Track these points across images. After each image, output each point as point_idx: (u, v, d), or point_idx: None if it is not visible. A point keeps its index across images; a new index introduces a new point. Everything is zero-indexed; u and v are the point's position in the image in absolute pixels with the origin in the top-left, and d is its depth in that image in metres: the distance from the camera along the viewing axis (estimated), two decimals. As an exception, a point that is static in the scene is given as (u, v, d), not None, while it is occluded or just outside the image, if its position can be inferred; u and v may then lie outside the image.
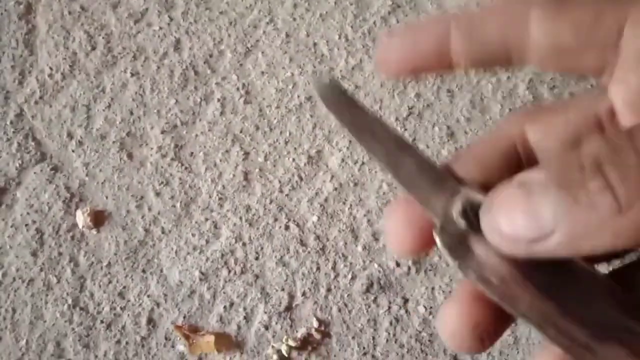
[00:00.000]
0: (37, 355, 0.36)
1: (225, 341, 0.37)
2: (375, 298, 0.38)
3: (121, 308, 0.38)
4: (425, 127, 0.42)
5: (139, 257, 0.39)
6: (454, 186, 0.20)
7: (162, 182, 0.41)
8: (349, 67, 0.43)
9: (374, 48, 0.44)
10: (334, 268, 0.39)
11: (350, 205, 0.40)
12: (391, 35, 0.21)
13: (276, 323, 0.37)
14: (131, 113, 0.42)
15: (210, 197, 0.40)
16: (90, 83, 0.43)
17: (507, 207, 0.16)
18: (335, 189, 0.40)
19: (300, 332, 0.37)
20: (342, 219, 0.40)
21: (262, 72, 0.43)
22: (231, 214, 0.40)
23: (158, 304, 0.38)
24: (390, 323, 0.37)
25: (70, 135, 0.42)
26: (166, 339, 0.37)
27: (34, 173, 0.41)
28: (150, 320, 0.37)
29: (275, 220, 0.40)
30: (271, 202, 0.40)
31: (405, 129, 0.42)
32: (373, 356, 0.37)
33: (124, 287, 0.38)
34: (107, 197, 0.40)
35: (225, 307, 0.38)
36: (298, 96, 0.43)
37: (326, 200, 0.40)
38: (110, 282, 0.38)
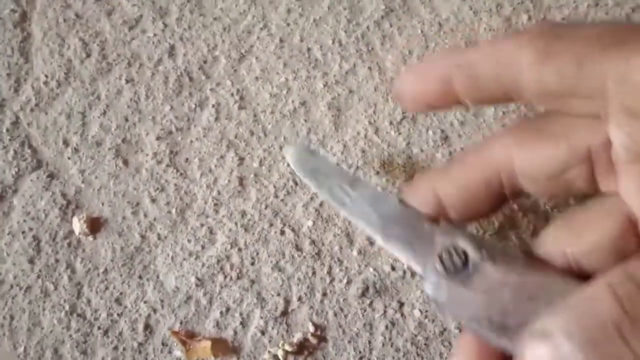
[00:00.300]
0: (35, 363, 0.37)
1: (221, 346, 0.37)
2: (371, 302, 0.38)
3: (118, 314, 0.38)
4: (419, 130, 0.42)
5: (135, 264, 0.39)
6: (429, 232, 0.21)
7: (157, 189, 0.41)
8: (342, 71, 0.44)
9: (368, 52, 0.44)
10: (329, 272, 0.39)
11: (345, 209, 0.40)
12: (407, 72, 0.22)
13: (272, 328, 0.38)
14: (126, 120, 0.43)
15: (205, 202, 0.40)
16: (86, 90, 0.43)
17: None
18: (330, 193, 0.40)
19: (297, 336, 0.37)
20: (337, 224, 0.40)
21: (257, 78, 0.44)
22: (227, 220, 0.40)
23: (155, 310, 0.38)
24: (386, 327, 0.38)
25: (66, 143, 0.42)
26: (163, 344, 0.37)
27: (31, 180, 0.41)
28: (147, 326, 0.38)
29: (271, 225, 0.40)
30: (266, 207, 0.40)
31: (400, 133, 0.42)
32: (369, 360, 0.37)
33: (121, 294, 0.38)
34: (103, 204, 0.40)
35: (221, 312, 0.38)
36: (292, 101, 0.43)
37: (321, 205, 0.40)
38: (107, 288, 0.39)
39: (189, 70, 0.44)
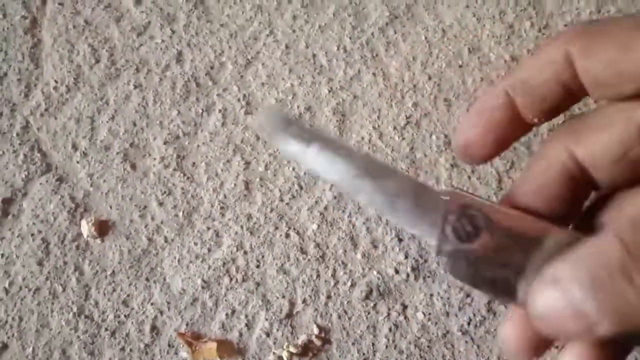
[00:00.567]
0: (43, 363, 0.37)
1: (227, 348, 0.38)
2: (375, 305, 0.39)
3: (125, 316, 0.38)
4: (422, 135, 0.42)
5: (142, 266, 0.40)
6: (436, 199, 0.21)
7: (164, 192, 0.41)
8: (347, 77, 0.44)
9: (372, 59, 0.45)
10: (333, 275, 0.39)
11: (350, 213, 0.40)
12: (465, 118, 0.22)
13: (277, 330, 0.38)
14: (134, 124, 0.43)
15: (212, 206, 0.41)
16: (94, 95, 0.44)
17: (548, 309, 0.18)
18: (335, 197, 0.41)
19: (301, 338, 0.38)
20: (342, 227, 0.40)
21: (263, 83, 0.44)
22: (233, 223, 0.40)
23: (161, 312, 0.39)
24: (390, 329, 0.38)
25: (75, 147, 0.43)
26: (169, 346, 0.38)
27: (40, 184, 0.42)
28: (153, 328, 0.38)
29: (276, 228, 0.40)
30: (272, 210, 0.41)
31: (404, 138, 0.42)
32: (373, 362, 0.37)
33: (128, 296, 0.39)
34: (111, 207, 0.41)
35: (227, 314, 0.38)
36: (297, 106, 0.43)
37: (326, 208, 0.41)
38: (114, 290, 0.39)
39: (196, 75, 0.45)
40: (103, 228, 0.40)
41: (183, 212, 0.41)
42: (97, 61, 0.45)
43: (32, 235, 0.40)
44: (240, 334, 0.38)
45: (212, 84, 0.44)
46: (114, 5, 0.47)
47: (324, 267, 0.39)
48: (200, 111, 0.44)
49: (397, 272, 0.39)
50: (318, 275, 0.39)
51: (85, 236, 0.40)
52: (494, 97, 0.21)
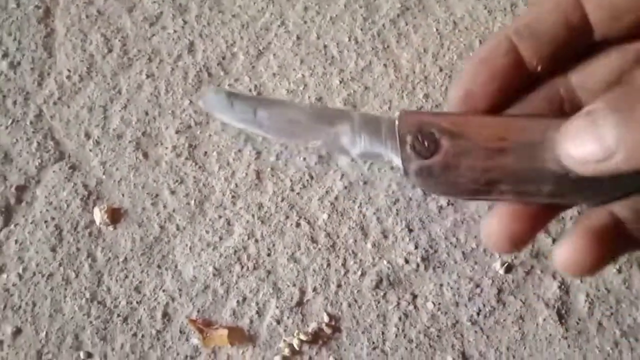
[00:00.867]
0: (57, 347, 0.38)
1: (238, 335, 0.38)
2: (385, 294, 0.39)
3: (137, 302, 0.39)
4: (433, 127, 0.43)
5: (154, 253, 0.40)
6: (390, 124, 0.21)
7: (176, 181, 0.42)
8: (358, 68, 0.44)
9: (383, 50, 0.45)
10: (344, 265, 0.39)
11: (360, 203, 0.41)
12: (466, 67, 0.22)
13: (288, 318, 0.38)
14: (146, 113, 0.44)
15: (223, 195, 0.41)
16: (107, 84, 0.44)
17: (576, 135, 0.19)
18: (345, 187, 0.41)
19: (311, 326, 0.38)
20: (352, 217, 0.40)
21: (274, 74, 0.44)
22: (244, 212, 0.41)
23: (173, 299, 0.39)
24: (399, 318, 0.38)
25: (87, 135, 0.43)
26: (181, 332, 0.38)
27: (53, 172, 0.42)
28: (165, 314, 0.39)
29: (287, 217, 0.41)
30: (283, 200, 0.41)
31: (414, 129, 0.42)
32: (382, 350, 0.38)
33: (140, 282, 0.39)
34: (123, 195, 0.41)
35: (238, 301, 0.39)
36: (309, 97, 0.44)
37: (336, 198, 0.41)
38: (126, 277, 0.39)
39: (208, 66, 0.45)
40: (115, 215, 0.41)
41: (195, 200, 0.41)
42: (110, 51, 0.45)
43: (46, 222, 0.41)
44: (251, 321, 0.38)
45: (223, 74, 0.45)
46: (127, -4, 0.47)
47: (334, 256, 0.40)
48: (212, 101, 0.44)
49: (407, 261, 0.39)
50: (328, 264, 0.39)
51: (97, 223, 0.41)
52: (497, 44, 0.21)
